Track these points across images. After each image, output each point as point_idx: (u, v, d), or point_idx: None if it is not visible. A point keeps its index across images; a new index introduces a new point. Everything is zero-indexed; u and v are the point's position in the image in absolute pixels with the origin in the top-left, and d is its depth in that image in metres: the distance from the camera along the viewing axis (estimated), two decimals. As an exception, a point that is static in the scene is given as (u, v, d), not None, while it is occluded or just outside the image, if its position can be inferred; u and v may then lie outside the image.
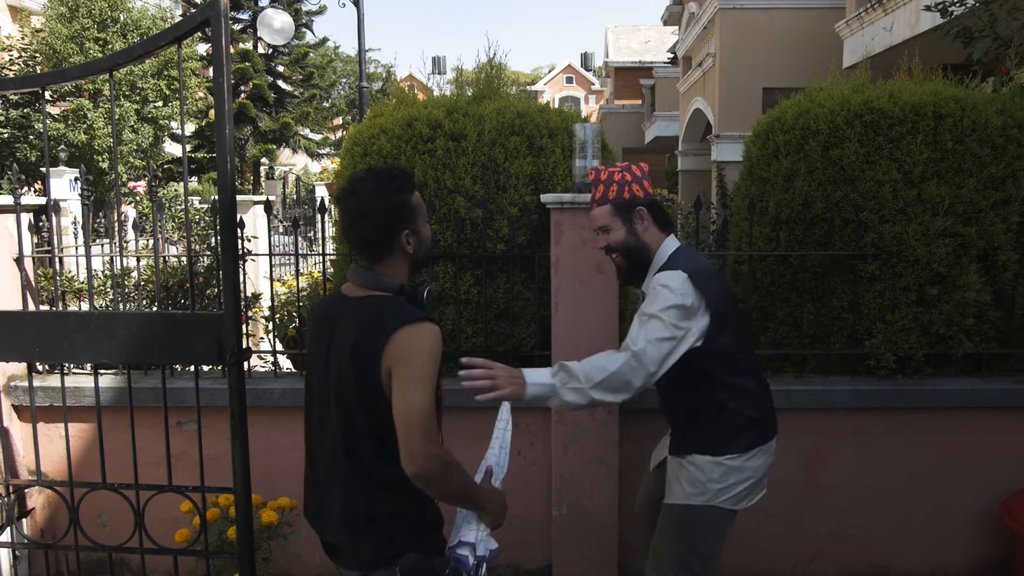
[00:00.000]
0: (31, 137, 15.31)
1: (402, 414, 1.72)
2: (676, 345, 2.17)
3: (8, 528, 2.67)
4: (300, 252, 3.95)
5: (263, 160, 23.22)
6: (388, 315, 1.78)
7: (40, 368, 3.48)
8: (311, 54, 24.50)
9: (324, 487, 1.91)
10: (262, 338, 5.17)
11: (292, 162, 28.16)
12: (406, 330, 1.75)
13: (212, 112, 19.52)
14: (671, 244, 2.35)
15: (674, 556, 2.32)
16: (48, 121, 14.51)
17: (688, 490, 2.31)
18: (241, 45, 22.34)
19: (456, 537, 1.87)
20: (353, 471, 1.83)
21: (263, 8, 15.71)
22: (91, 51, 15.17)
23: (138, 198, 15.85)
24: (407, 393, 1.72)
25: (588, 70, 46.94)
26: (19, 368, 3.39)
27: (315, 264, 8.67)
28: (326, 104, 27.33)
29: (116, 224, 3.71)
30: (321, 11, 23.41)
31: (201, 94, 19.69)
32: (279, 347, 3.74)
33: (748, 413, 2.29)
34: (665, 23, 20.23)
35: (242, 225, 2.92)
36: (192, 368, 3.43)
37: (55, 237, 3.21)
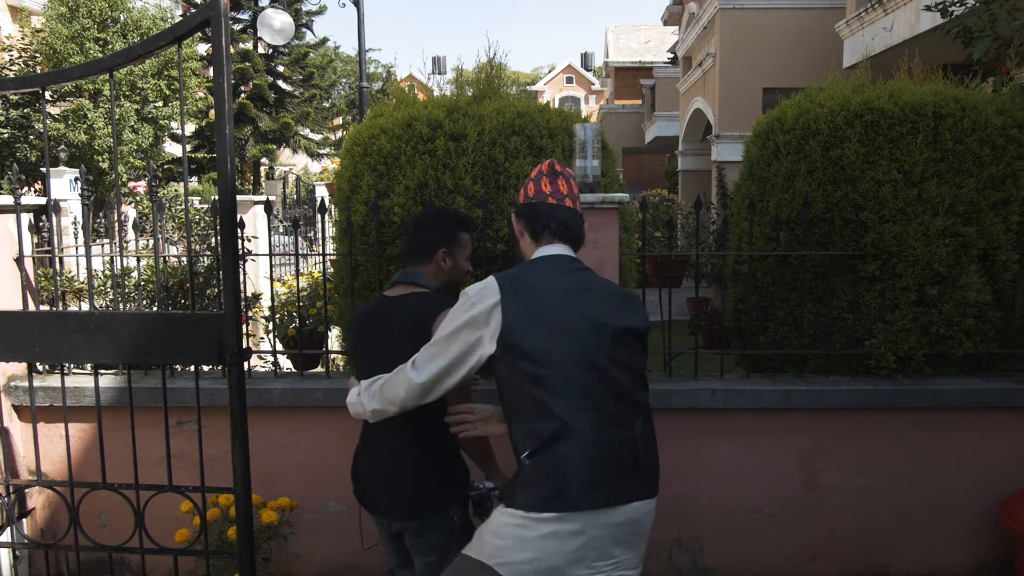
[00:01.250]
0: (31, 137, 15.31)
1: None
2: (455, 360, 1.94)
3: (8, 528, 2.67)
4: (300, 252, 3.95)
5: (263, 160, 23.22)
6: (433, 304, 2.23)
7: (40, 368, 3.48)
8: (311, 54, 24.49)
9: (387, 452, 2.28)
10: (262, 338, 5.17)
11: (292, 162, 28.16)
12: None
13: (212, 112, 19.52)
14: (541, 252, 2.06)
15: None
16: (48, 121, 14.51)
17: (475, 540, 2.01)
18: (241, 45, 22.34)
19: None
20: (423, 435, 2.24)
21: (263, 8, 15.72)
22: (91, 51, 15.17)
23: (138, 198, 15.85)
24: None
25: (588, 70, 46.92)
26: (19, 368, 3.39)
27: (315, 264, 8.66)
28: (326, 104, 27.32)
29: (116, 224, 3.71)
30: (321, 11, 23.42)
31: (201, 94, 19.69)
32: (279, 347, 3.74)
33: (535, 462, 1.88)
34: (665, 23, 20.25)
35: (242, 225, 2.92)
36: (192, 368, 3.43)
37: (55, 237, 3.21)
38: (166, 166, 19.67)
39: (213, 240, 5.58)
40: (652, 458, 1.98)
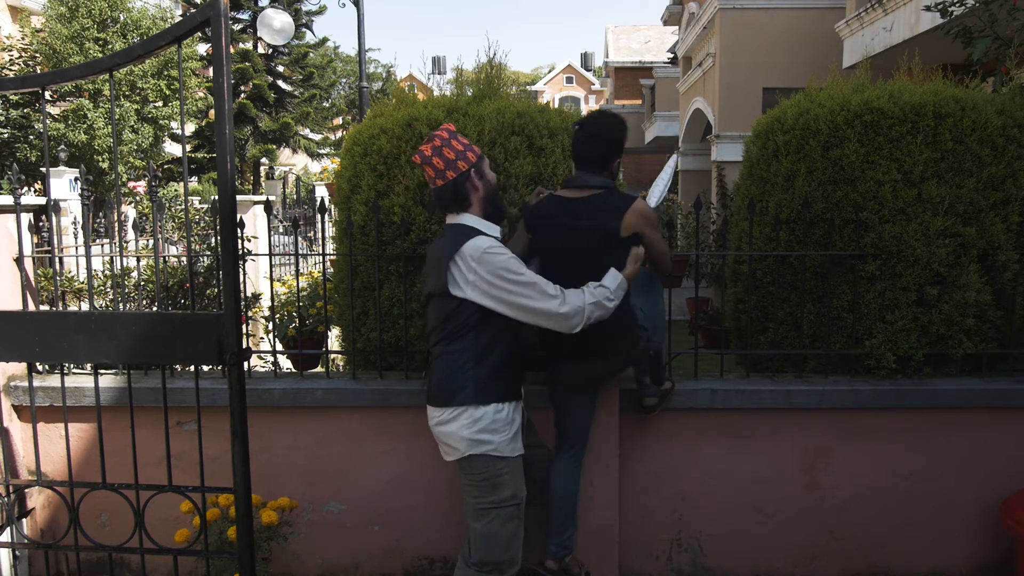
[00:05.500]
0: (31, 137, 15.31)
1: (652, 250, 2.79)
2: None
3: (8, 528, 2.67)
4: (300, 252, 3.94)
5: (263, 160, 23.22)
6: (620, 198, 2.78)
7: (40, 368, 3.48)
8: (311, 54, 24.49)
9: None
10: (262, 338, 5.17)
11: (292, 162, 28.16)
12: (638, 202, 2.77)
13: (212, 112, 19.52)
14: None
15: None
16: (48, 121, 14.51)
17: None
18: (241, 45, 22.35)
19: None
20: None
21: (263, 8, 15.71)
22: (91, 51, 15.16)
23: (138, 198, 15.84)
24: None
25: (588, 70, 46.93)
26: (19, 368, 3.39)
27: (315, 264, 8.66)
28: (326, 104, 27.31)
29: (116, 224, 3.71)
30: (321, 11, 23.42)
31: (201, 94, 19.69)
32: (279, 347, 3.74)
33: None
34: (665, 23, 20.24)
35: (242, 225, 2.92)
36: (192, 368, 3.43)
37: (55, 237, 3.20)
38: (166, 166, 19.67)
39: (213, 240, 5.58)
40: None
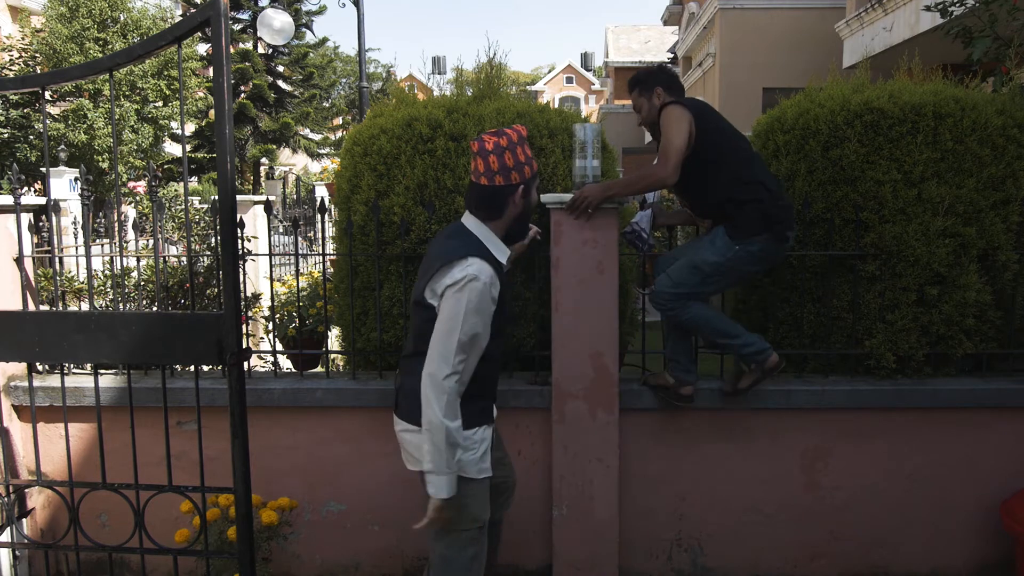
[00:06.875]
0: (31, 137, 15.31)
1: None
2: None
3: (8, 528, 2.67)
4: (300, 252, 3.95)
5: (263, 160, 23.21)
6: None
7: (40, 368, 3.48)
8: (311, 54, 24.49)
9: None
10: (262, 338, 5.17)
11: (292, 162, 28.15)
12: None
13: (212, 112, 19.52)
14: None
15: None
16: (48, 121, 14.52)
17: None
18: (241, 45, 22.35)
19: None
20: None
21: (263, 8, 15.72)
22: (91, 51, 15.17)
23: (138, 198, 15.84)
24: None
25: (588, 70, 46.96)
26: (19, 368, 3.39)
27: (315, 264, 8.66)
28: (326, 104, 27.31)
29: (116, 224, 3.71)
30: (321, 11, 23.43)
31: (201, 94, 19.69)
32: (279, 347, 3.74)
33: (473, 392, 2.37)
34: (665, 23, 20.25)
35: (242, 225, 2.92)
36: (192, 368, 3.43)
37: (55, 237, 3.21)
38: (166, 166, 19.67)
39: (213, 240, 5.58)
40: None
